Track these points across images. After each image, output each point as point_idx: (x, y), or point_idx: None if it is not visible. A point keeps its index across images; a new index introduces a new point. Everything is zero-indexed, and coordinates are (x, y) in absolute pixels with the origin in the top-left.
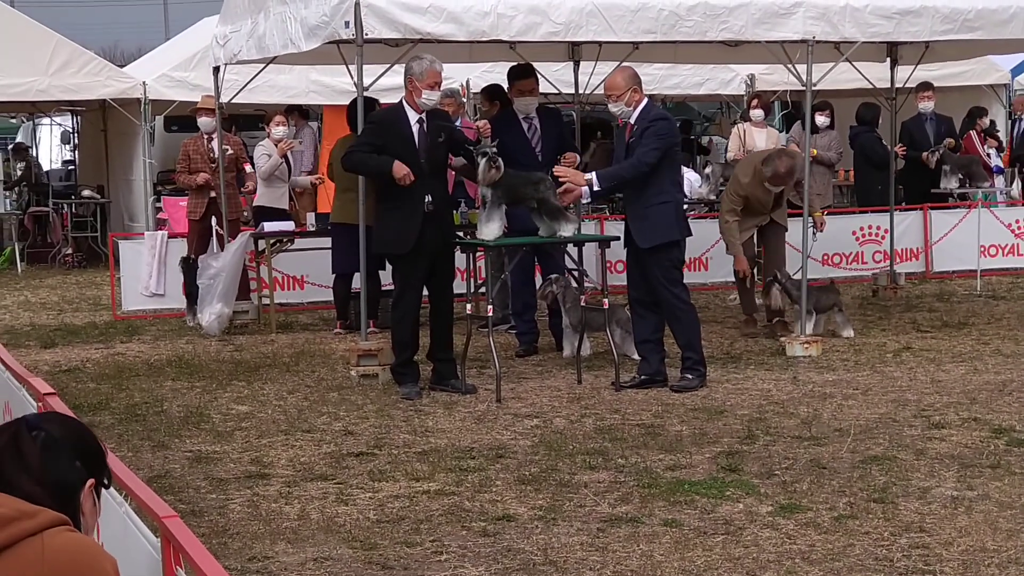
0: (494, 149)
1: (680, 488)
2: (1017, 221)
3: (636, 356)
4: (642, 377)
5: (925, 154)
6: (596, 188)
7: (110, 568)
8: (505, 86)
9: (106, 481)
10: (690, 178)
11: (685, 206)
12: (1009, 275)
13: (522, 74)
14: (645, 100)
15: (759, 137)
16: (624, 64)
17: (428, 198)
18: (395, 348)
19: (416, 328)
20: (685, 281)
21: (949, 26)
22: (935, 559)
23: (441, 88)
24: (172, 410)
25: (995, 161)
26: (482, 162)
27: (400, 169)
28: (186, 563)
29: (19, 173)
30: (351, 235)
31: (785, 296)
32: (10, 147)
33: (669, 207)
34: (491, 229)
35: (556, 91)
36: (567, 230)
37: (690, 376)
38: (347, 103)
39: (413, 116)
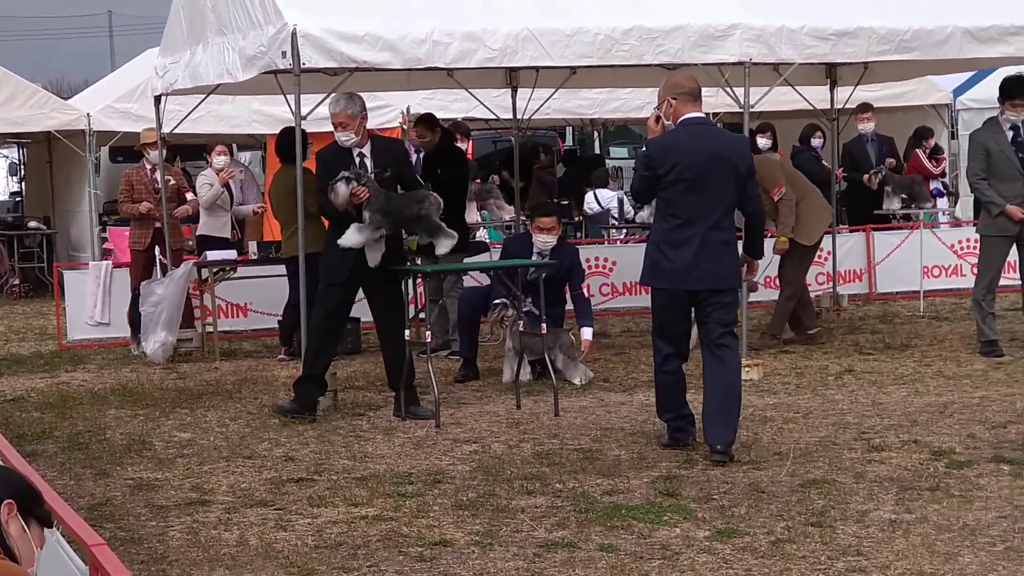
0: (363, 172)
1: (617, 513)
2: (959, 241)
3: (577, 382)
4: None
5: (867, 175)
6: None
7: None
8: (442, 115)
9: (39, 512)
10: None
11: (624, 230)
12: (952, 296)
13: (543, 211)
14: (686, 116)
15: None
16: (680, 72)
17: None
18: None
19: (329, 354)
20: (628, 304)
21: (886, 47)
22: None
23: (343, 126)
24: (115, 438)
25: (935, 185)
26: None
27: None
28: None
29: None
30: (309, 264)
31: None
32: None
33: (649, 246)
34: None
35: (495, 117)
36: (445, 246)
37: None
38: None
39: (356, 150)
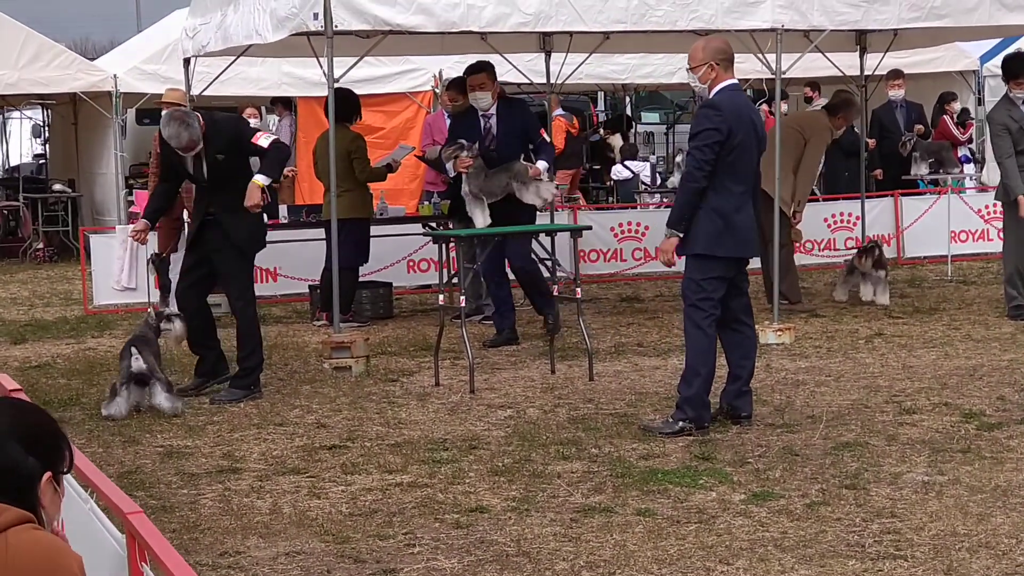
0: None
1: (653, 477)
2: (987, 206)
3: (539, 203)
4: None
5: (902, 139)
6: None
7: (76, 566)
8: None
9: (65, 468)
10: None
11: (658, 195)
12: (979, 260)
13: (471, 70)
14: (727, 82)
15: None
16: (716, 36)
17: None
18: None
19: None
20: (661, 269)
21: (917, 13)
22: (906, 544)
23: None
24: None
25: (963, 151)
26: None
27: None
28: (151, 559)
29: None
30: (352, 228)
31: None
32: None
33: (705, 213)
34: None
35: (528, 81)
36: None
37: (669, 418)
38: (320, 95)
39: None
